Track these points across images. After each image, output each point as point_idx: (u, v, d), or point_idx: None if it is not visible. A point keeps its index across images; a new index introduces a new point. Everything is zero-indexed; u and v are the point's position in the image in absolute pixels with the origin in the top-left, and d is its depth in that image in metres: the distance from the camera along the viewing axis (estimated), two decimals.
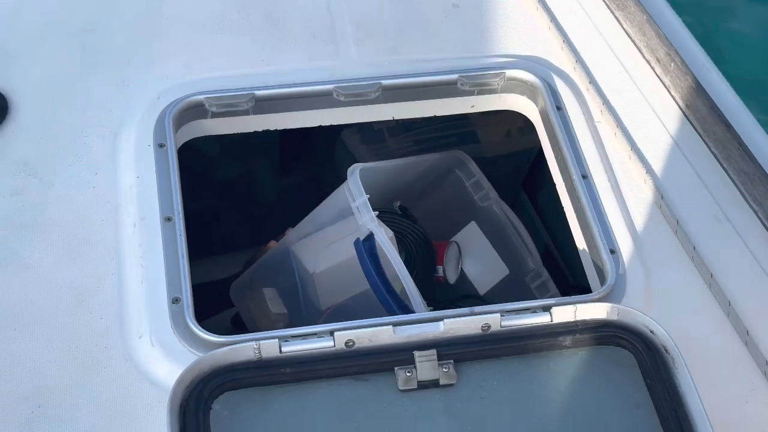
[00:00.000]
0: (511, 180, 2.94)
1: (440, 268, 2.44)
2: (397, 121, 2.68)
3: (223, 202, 3.05)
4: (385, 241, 1.97)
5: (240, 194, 3.09)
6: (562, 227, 2.75)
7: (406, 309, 1.94)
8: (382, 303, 1.98)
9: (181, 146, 2.09)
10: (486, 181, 2.51)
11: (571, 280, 2.69)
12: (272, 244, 2.32)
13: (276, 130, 2.20)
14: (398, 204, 2.44)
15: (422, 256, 2.41)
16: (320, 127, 2.20)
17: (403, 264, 1.94)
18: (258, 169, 3.10)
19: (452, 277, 2.46)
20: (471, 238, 2.54)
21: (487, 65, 2.18)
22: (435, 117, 2.24)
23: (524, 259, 2.47)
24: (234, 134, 2.20)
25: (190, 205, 1.99)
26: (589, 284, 1.95)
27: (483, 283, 2.55)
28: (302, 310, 2.19)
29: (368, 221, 2.00)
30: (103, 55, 2.16)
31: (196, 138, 2.14)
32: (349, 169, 2.06)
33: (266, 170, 3.11)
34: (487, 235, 2.54)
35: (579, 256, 1.98)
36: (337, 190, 2.12)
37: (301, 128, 2.22)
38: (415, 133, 2.74)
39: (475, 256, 2.54)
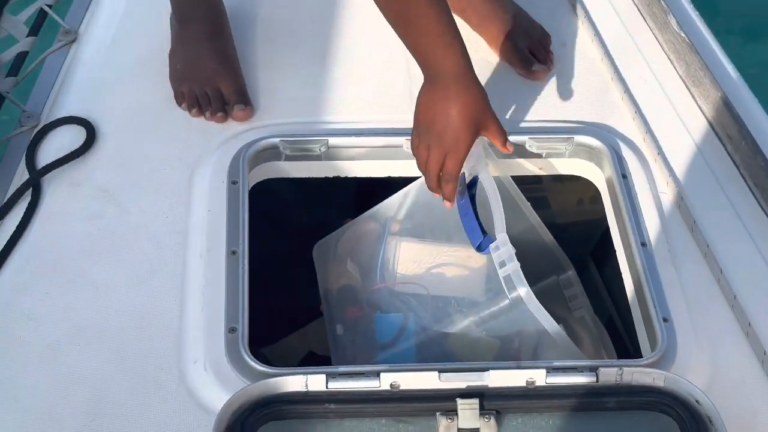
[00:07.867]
0: (580, 248, 2.94)
1: None
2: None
3: (297, 245, 3.11)
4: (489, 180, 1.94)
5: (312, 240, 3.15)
6: (626, 299, 2.75)
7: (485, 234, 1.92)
8: (465, 224, 1.96)
9: (260, 188, 2.16)
10: (583, 295, 2.49)
11: (632, 354, 2.67)
12: None
13: (350, 178, 2.26)
14: None
15: None
16: (397, 180, 2.24)
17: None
18: (333, 218, 3.16)
19: None
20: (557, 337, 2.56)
21: (557, 129, 2.22)
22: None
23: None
24: (312, 181, 2.27)
25: (264, 244, 2.04)
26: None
27: None
28: (377, 279, 2.18)
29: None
30: None
31: (278, 180, 2.22)
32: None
33: (340, 220, 3.16)
34: (573, 339, 2.55)
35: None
36: None
37: (378, 181, 2.28)
38: None
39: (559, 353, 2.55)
